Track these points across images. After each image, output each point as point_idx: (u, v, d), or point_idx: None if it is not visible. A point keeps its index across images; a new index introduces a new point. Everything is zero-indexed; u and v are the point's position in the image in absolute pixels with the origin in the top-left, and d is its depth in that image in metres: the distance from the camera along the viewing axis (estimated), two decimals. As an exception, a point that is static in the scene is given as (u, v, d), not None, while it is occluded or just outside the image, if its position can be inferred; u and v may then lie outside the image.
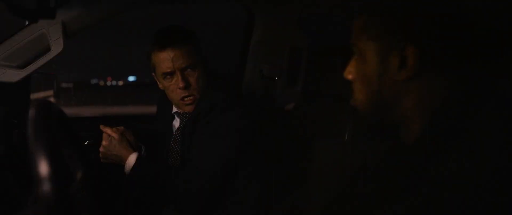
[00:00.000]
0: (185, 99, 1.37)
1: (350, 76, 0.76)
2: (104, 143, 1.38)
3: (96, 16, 1.48)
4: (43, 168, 0.58)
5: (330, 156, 1.52)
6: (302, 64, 1.86)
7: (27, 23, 1.41)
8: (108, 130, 1.38)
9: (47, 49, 1.42)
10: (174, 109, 1.48)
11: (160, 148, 1.52)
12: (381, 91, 0.71)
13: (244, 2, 1.78)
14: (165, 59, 1.33)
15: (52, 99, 1.64)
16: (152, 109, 1.68)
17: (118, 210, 1.48)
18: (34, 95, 1.59)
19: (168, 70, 1.34)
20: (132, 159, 1.34)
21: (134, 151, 1.36)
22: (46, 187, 0.57)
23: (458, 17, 0.66)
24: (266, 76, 1.81)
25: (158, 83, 1.43)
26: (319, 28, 1.91)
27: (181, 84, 1.33)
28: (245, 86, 1.83)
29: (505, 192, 0.57)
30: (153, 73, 1.43)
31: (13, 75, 1.41)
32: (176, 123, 1.49)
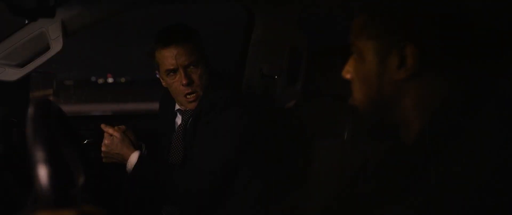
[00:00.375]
0: (188, 96, 1.38)
1: (348, 76, 0.76)
2: (106, 142, 1.39)
3: (96, 16, 1.48)
4: (42, 167, 0.58)
5: (330, 156, 1.52)
6: (302, 64, 1.86)
7: (26, 22, 1.41)
8: (110, 130, 1.39)
9: (47, 48, 1.42)
10: (177, 106, 1.49)
11: (161, 145, 1.52)
12: (380, 91, 0.71)
13: (244, 2, 1.78)
14: (168, 56, 1.35)
15: (51, 98, 1.64)
16: (153, 106, 1.68)
17: (119, 210, 1.48)
18: (33, 94, 1.59)
19: (171, 67, 1.35)
20: (134, 157, 1.35)
21: (136, 149, 1.37)
22: (45, 186, 0.57)
23: (458, 17, 0.66)
24: (266, 76, 1.81)
25: (162, 81, 1.45)
26: (319, 28, 1.91)
27: (184, 81, 1.34)
28: (245, 86, 1.83)
29: (505, 192, 0.57)
30: (157, 71, 1.44)
31: (13, 74, 1.41)
32: (179, 120, 1.49)
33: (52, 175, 0.58)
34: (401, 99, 0.70)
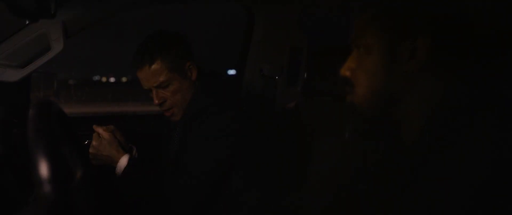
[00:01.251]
0: (166, 113, 1.40)
1: (348, 73, 0.75)
2: (94, 143, 1.35)
3: (96, 16, 1.48)
4: (43, 167, 0.58)
5: (330, 156, 1.52)
6: (302, 64, 1.86)
7: (27, 22, 1.41)
8: (100, 129, 1.36)
9: (47, 49, 1.42)
10: None
11: (161, 149, 1.52)
12: (386, 83, 0.71)
13: (244, 2, 1.78)
14: (139, 78, 1.37)
15: (52, 98, 1.64)
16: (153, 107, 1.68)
17: (118, 209, 1.47)
18: (34, 95, 1.59)
19: (145, 88, 1.37)
20: (123, 161, 1.32)
21: (125, 152, 1.35)
22: (45, 186, 0.57)
23: (458, 17, 0.66)
24: (266, 76, 1.82)
25: None
26: (319, 28, 1.92)
27: (155, 102, 1.37)
28: (245, 86, 1.83)
29: (504, 192, 0.57)
30: None
31: (13, 75, 1.41)
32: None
33: (52, 176, 0.58)
34: (405, 94, 0.70)
